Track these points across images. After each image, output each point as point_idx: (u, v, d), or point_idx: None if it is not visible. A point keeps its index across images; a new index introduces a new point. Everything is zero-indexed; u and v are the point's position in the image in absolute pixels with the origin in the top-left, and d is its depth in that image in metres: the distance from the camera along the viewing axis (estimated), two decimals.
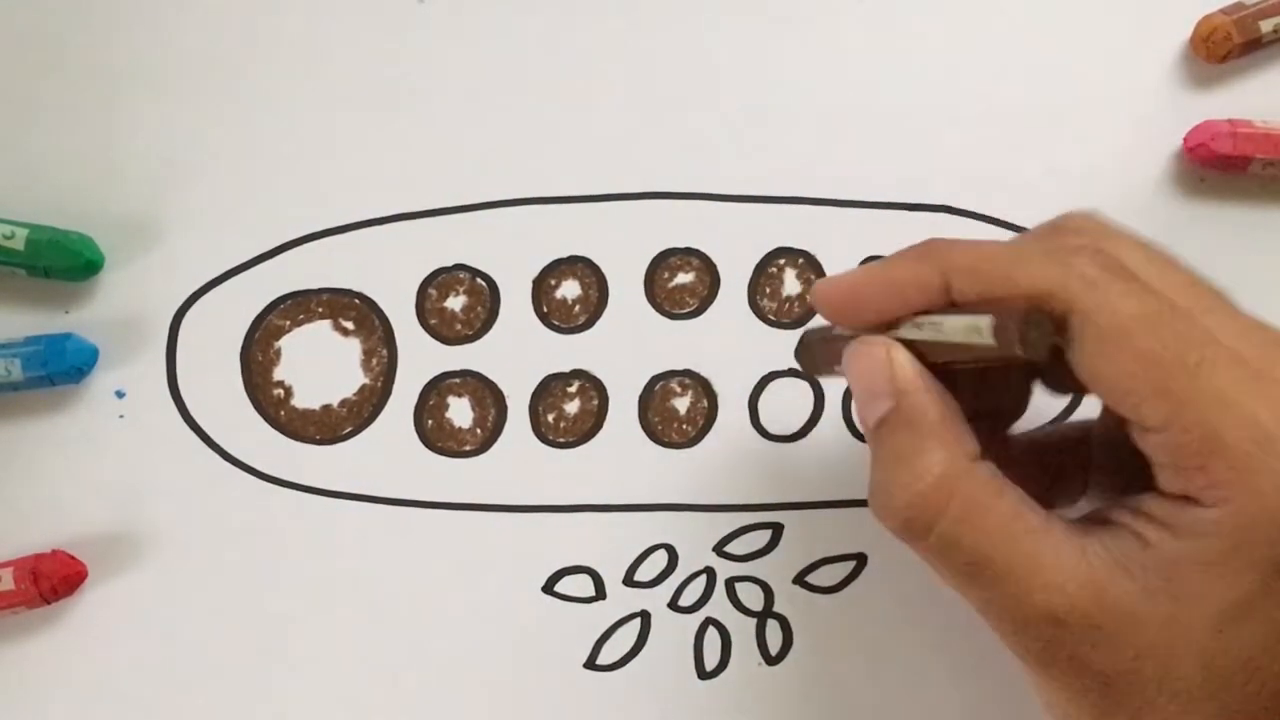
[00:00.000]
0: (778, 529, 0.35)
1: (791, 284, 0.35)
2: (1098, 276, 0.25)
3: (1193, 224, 0.36)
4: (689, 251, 0.35)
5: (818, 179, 0.35)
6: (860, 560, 0.35)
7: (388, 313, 0.34)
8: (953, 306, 0.27)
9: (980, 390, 0.28)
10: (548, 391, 0.34)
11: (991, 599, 0.26)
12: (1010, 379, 0.29)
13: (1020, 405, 0.30)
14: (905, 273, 0.28)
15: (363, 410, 0.34)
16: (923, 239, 0.28)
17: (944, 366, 0.27)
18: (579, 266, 0.35)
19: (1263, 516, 0.24)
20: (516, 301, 0.35)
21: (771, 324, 0.35)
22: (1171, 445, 0.25)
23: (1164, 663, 0.25)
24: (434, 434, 0.34)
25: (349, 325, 0.34)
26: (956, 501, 0.26)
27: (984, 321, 0.25)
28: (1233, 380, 0.24)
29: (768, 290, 0.35)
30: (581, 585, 0.34)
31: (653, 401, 0.35)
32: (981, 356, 0.26)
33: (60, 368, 0.32)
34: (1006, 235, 0.35)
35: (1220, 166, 0.35)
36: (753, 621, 0.34)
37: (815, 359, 0.31)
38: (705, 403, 0.35)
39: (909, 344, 0.27)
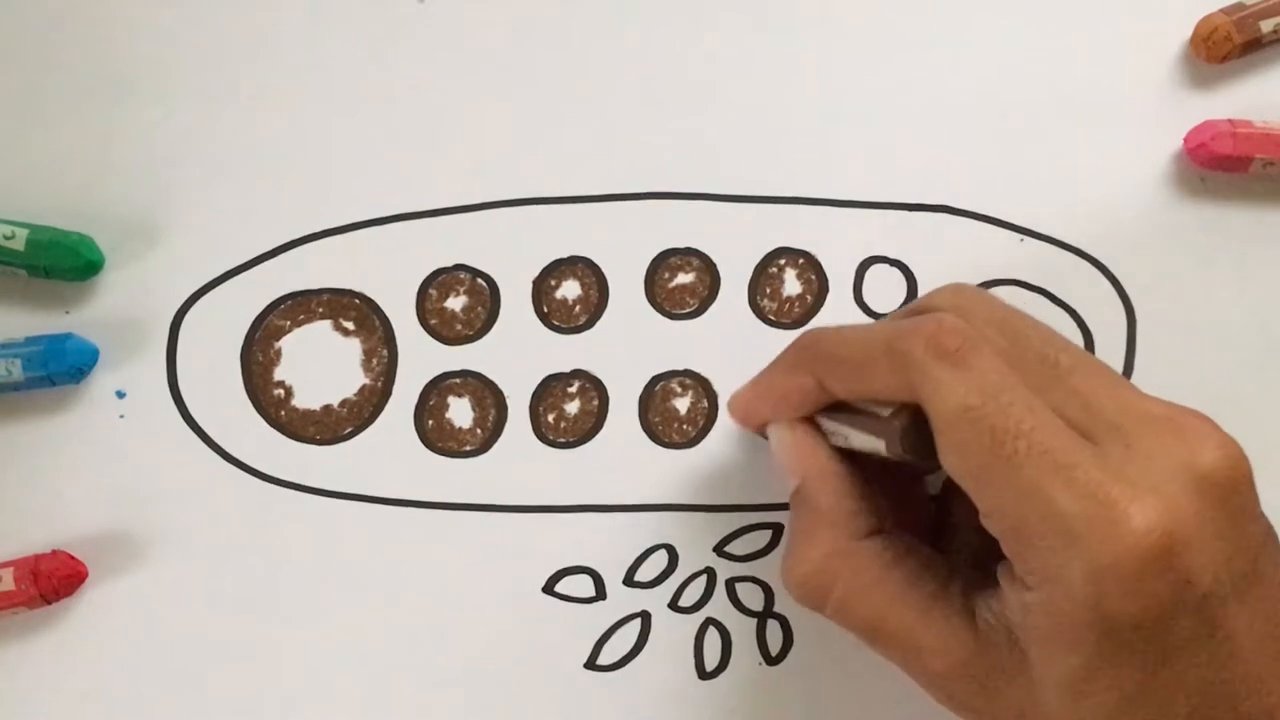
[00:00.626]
0: (778, 529, 0.35)
1: (792, 284, 0.35)
2: (929, 365, 0.26)
3: (1193, 224, 0.36)
4: (689, 251, 0.35)
5: (818, 179, 0.35)
6: None
7: (388, 313, 0.34)
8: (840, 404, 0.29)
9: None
10: (548, 391, 0.34)
11: (892, 659, 0.29)
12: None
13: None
14: (786, 383, 0.30)
15: (363, 410, 0.34)
16: (800, 336, 0.31)
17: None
18: (579, 266, 0.35)
19: (1071, 603, 0.25)
20: (517, 301, 0.35)
21: (772, 324, 0.35)
22: (997, 530, 0.26)
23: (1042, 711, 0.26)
24: (434, 434, 0.34)
25: (349, 325, 0.34)
26: (842, 580, 0.29)
27: (880, 444, 0.28)
28: (1041, 470, 0.25)
29: (768, 290, 0.35)
30: (582, 585, 0.34)
31: (653, 401, 0.35)
32: (880, 454, 0.28)
33: (60, 368, 0.32)
34: (1007, 235, 0.35)
35: (1220, 166, 0.35)
36: (753, 621, 0.34)
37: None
38: (705, 403, 0.35)
39: (820, 425, 0.30)
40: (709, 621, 0.34)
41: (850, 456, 0.30)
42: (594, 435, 0.34)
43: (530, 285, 0.35)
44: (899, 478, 0.31)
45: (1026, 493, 0.25)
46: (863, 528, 0.29)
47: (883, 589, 0.28)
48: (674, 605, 0.34)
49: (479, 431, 0.34)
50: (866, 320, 0.35)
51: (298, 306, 0.34)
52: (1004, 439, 0.25)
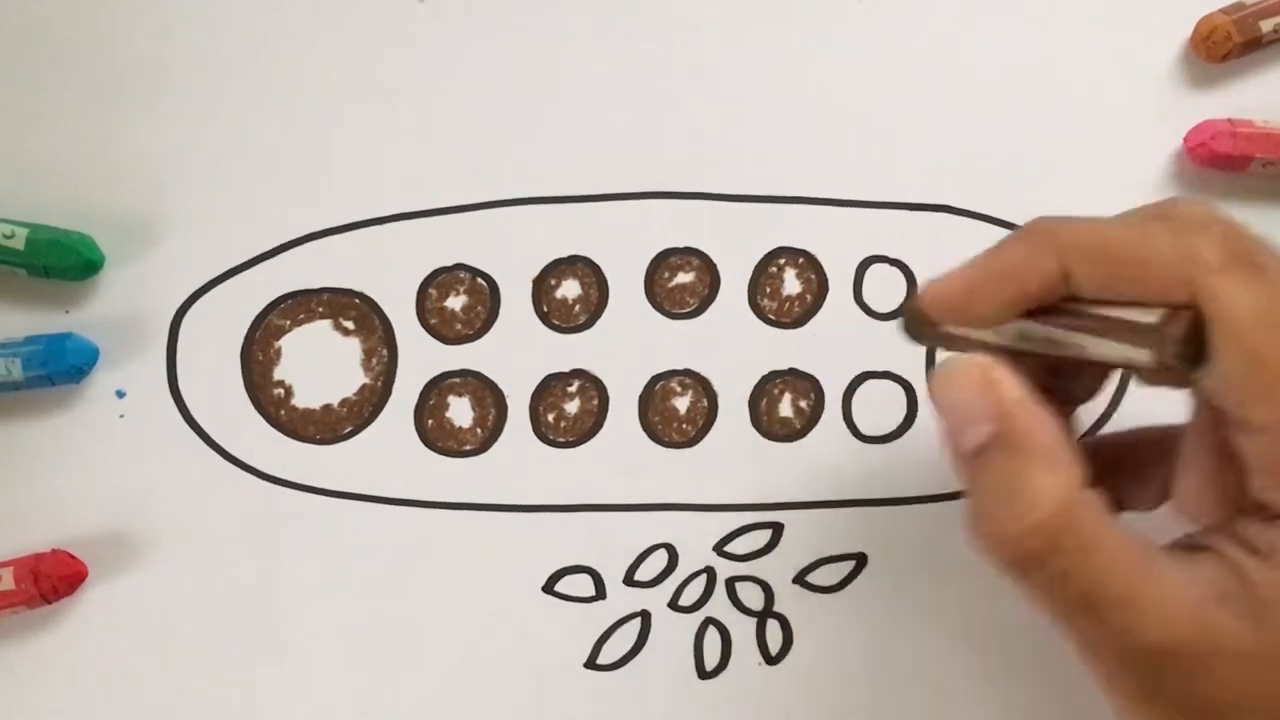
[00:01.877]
0: (778, 529, 0.35)
1: (791, 284, 0.35)
2: (1223, 264, 0.24)
3: None
4: (689, 251, 0.35)
5: (818, 179, 0.35)
6: (860, 560, 0.35)
7: (388, 312, 0.34)
8: (1071, 300, 0.25)
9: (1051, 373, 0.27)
10: (548, 391, 0.34)
11: (1101, 633, 0.25)
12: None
13: (1094, 389, 0.29)
14: (1019, 261, 0.26)
15: (363, 410, 0.34)
16: (1030, 225, 0.26)
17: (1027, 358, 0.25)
18: (579, 266, 0.35)
19: None
20: (517, 301, 0.35)
21: (771, 324, 0.35)
22: (1271, 451, 0.24)
23: (1269, 701, 0.24)
24: (434, 434, 0.34)
25: (349, 325, 0.34)
26: (1071, 534, 0.24)
27: (1139, 354, 0.24)
28: None
29: (768, 290, 0.35)
30: (581, 585, 0.34)
31: (653, 401, 0.35)
32: (1139, 372, 0.24)
33: (60, 367, 0.32)
34: (1006, 234, 0.35)
35: (1220, 166, 0.35)
36: (753, 621, 0.34)
37: (922, 334, 0.28)
38: (705, 402, 0.35)
39: (1006, 351, 0.26)
40: (709, 621, 0.34)
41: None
42: (594, 435, 0.34)
43: (530, 285, 0.35)
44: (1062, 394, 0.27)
45: None
46: (1083, 477, 0.24)
47: (1107, 548, 0.24)
48: (674, 605, 0.34)
49: (479, 431, 0.34)
50: (869, 321, 0.35)
51: (298, 306, 0.34)
52: None
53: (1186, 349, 0.24)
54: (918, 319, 0.28)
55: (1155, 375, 0.24)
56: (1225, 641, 0.24)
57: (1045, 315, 0.25)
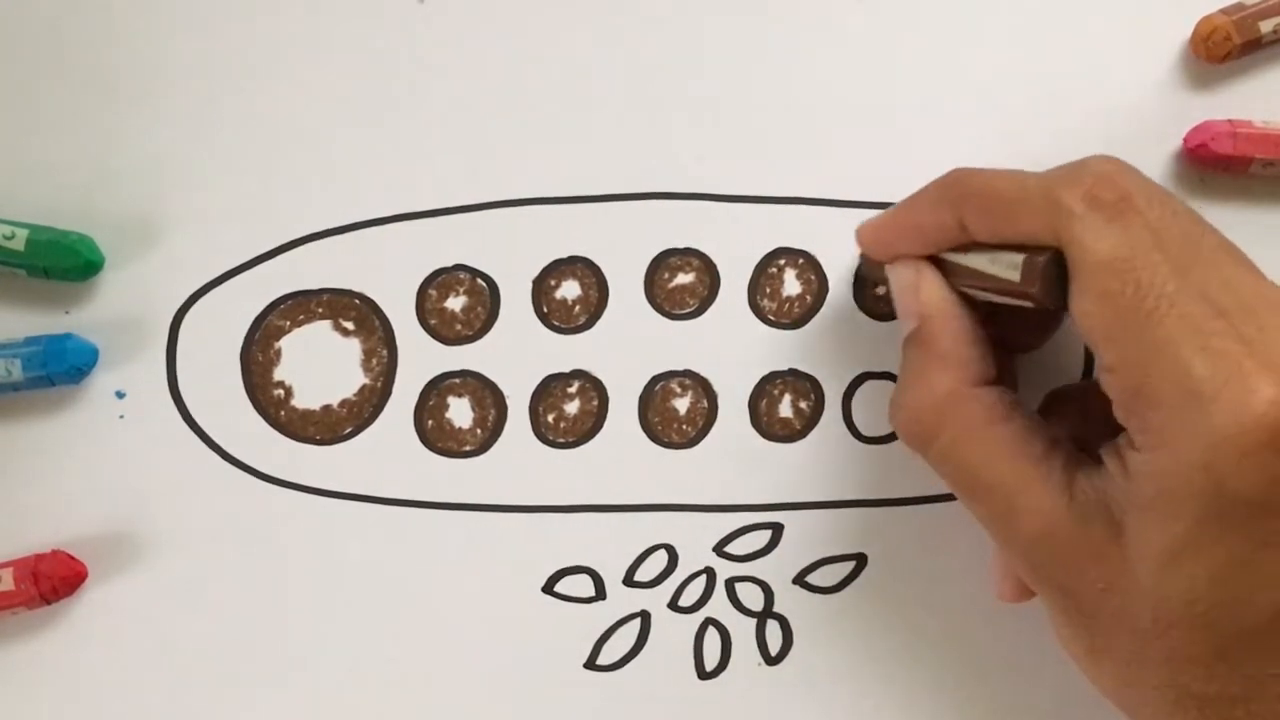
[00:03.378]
0: (778, 529, 0.35)
1: (791, 284, 0.35)
2: (1084, 213, 0.26)
3: None
4: (689, 252, 0.35)
5: (818, 179, 0.35)
6: (860, 560, 0.35)
7: (388, 313, 0.34)
8: (974, 244, 0.29)
9: (1009, 319, 0.31)
10: (548, 392, 0.34)
11: (983, 515, 0.29)
12: (1040, 314, 0.31)
13: (1040, 338, 0.33)
14: (925, 216, 0.30)
15: (363, 410, 0.34)
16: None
17: (973, 294, 0.30)
18: (579, 267, 0.35)
19: (1185, 466, 0.25)
20: (516, 302, 0.35)
21: (771, 324, 0.35)
22: (1117, 387, 0.26)
23: (1121, 599, 0.26)
24: (434, 434, 0.34)
25: (349, 325, 0.34)
26: (953, 422, 0.29)
27: (1014, 276, 0.28)
28: (1179, 330, 0.25)
29: (768, 290, 0.35)
30: (581, 585, 0.34)
31: (653, 402, 0.35)
32: (1008, 292, 0.28)
33: (60, 368, 0.32)
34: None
35: (1220, 167, 0.35)
36: (753, 622, 0.35)
37: (874, 270, 0.33)
38: (705, 403, 0.35)
39: (947, 265, 0.30)
40: (709, 621, 0.34)
41: (971, 305, 0.30)
42: (594, 435, 0.34)
43: (530, 285, 0.35)
44: (1011, 339, 0.31)
45: (1160, 349, 0.25)
46: (978, 374, 0.29)
47: (990, 438, 0.28)
48: (674, 605, 0.34)
49: (479, 431, 0.34)
50: (869, 322, 0.35)
51: (298, 306, 0.34)
52: (1147, 294, 0.25)
53: (1052, 281, 0.27)
54: (868, 271, 0.34)
55: (1027, 299, 0.28)
56: (1091, 541, 0.27)
57: (962, 249, 0.30)
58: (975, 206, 0.29)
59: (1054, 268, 0.27)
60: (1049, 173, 0.29)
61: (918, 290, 0.30)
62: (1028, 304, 0.28)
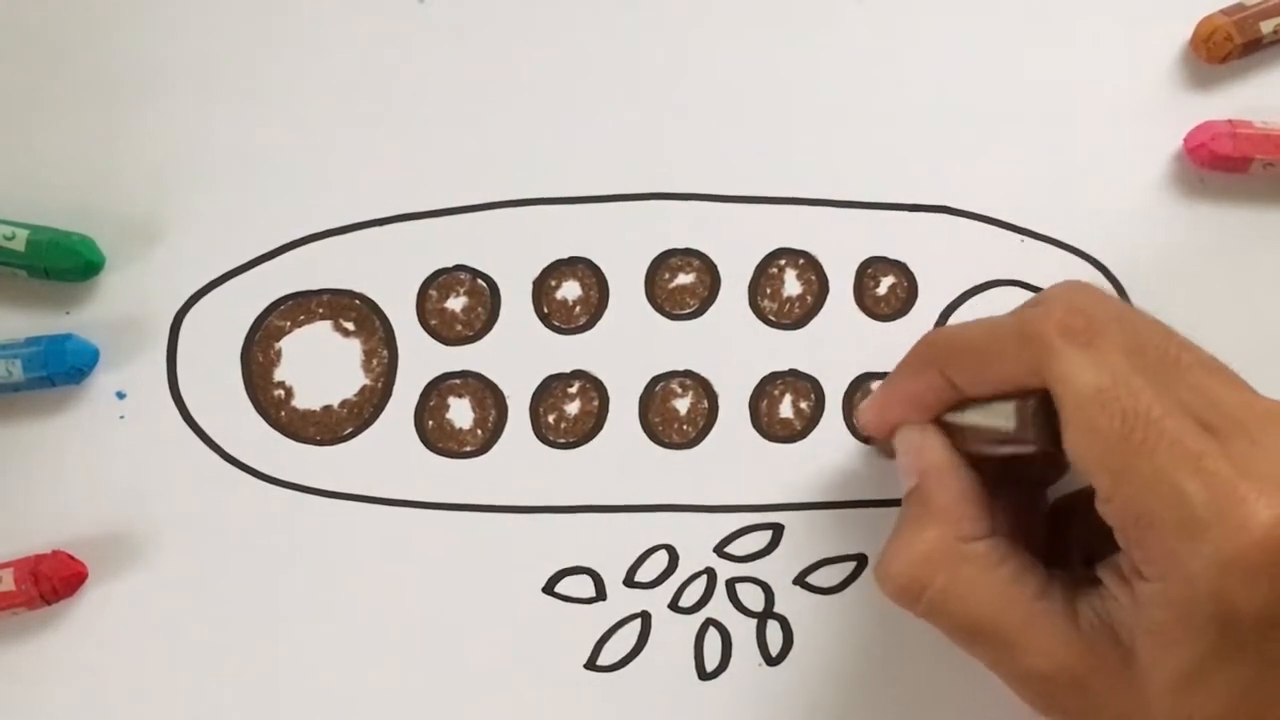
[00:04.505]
0: (778, 530, 0.35)
1: (792, 284, 0.35)
2: (1060, 347, 0.26)
3: (1193, 225, 0.36)
4: (689, 252, 0.35)
5: (818, 179, 0.35)
6: (860, 561, 0.35)
7: (388, 313, 0.34)
8: (971, 401, 0.29)
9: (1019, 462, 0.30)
10: (548, 392, 0.34)
11: (986, 659, 0.29)
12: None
13: (1054, 474, 0.32)
14: (913, 384, 0.30)
15: (363, 411, 0.34)
16: (918, 337, 0.31)
17: (981, 451, 0.30)
18: (579, 267, 0.35)
19: (1194, 593, 0.25)
20: (517, 302, 0.35)
21: (772, 324, 0.35)
22: (1117, 517, 0.26)
23: (1144, 715, 0.26)
24: (434, 435, 0.34)
25: (349, 326, 0.34)
26: (942, 575, 0.28)
27: (1008, 425, 0.28)
28: (1170, 458, 0.25)
29: (768, 291, 0.35)
30: (582, 586, 0.34)
31: (653, 402, 0.35)
32: (1009, 440, 0.28)
33: (61, 369, 0.32)
34: (1007, 235, 0.35)
35: (1220, 167, 0.35)
36: (753, 622, 0.35)
37: (884, 447, 0.33)
38: (706, 403, 0.35)
39: (949, 427, 0.30)
40: (709, 622, 0.34)
41: (973, 463, 0.30)
42: (594, 435, 0.34)
43: (530, 286, 0.35)
44: (1015, 492, 0.31)
45: (1154, 480, 0.25)
46: (972, 531, 0.29)
47: (985, 588, 0.28)
48: (674, 606, 0.34)
49: (479, 432, 0.34)
50: (869, 322, 0.35)
51: (298, 307, 0.34)
52: (1134, 423, 0.25)
53: (1043, 424, 0.27)
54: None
55: (1027, 445, 0.28)
56: (1103, 670, 0.27)
57: (959, 408, 0.30)
58: (956, 364, 0.29)
59: (1044, 410, 0.27)
60: (1019, 311, 0.28)
61: (917, 449, 0.30)
62: (1031, 449, 0.28)
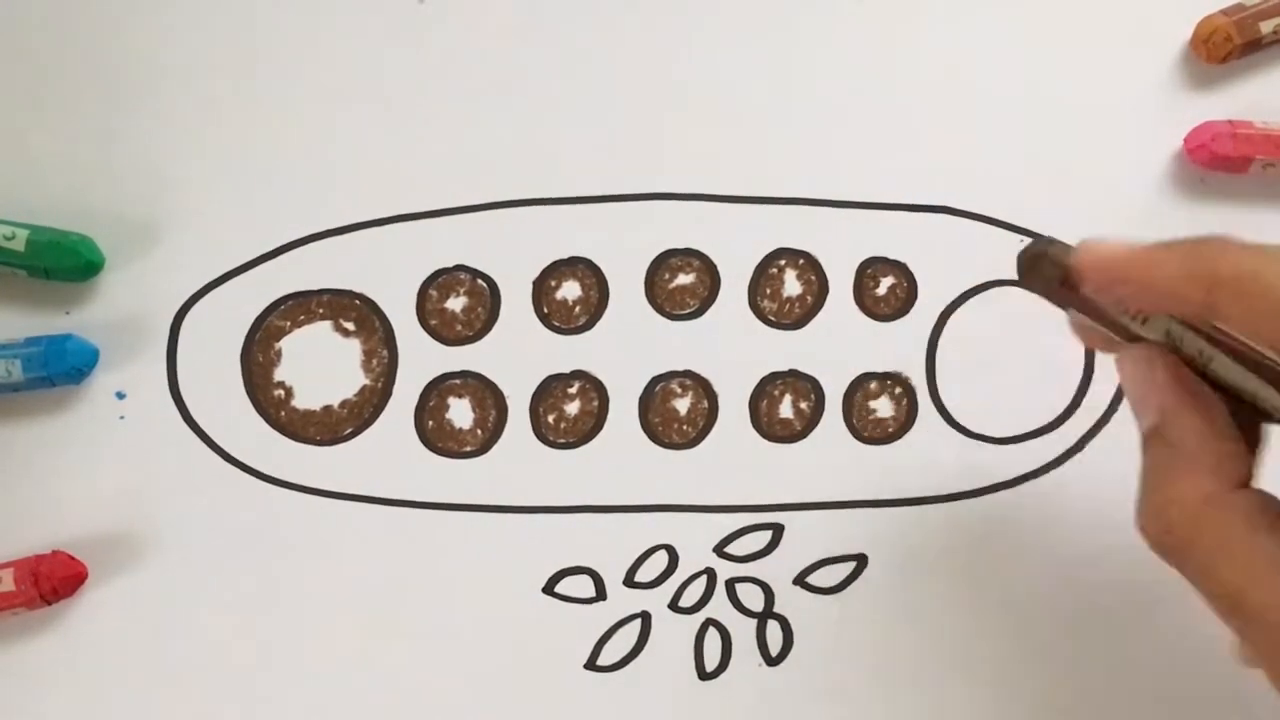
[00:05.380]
0: (778, 530, 0.35)
1: (792, 284, 0.35)
2: None
3: (1193, 225, 0.36)
4: (689, 252, 0.35)
5: (818, 179, 0.35)
6: (860, 561, 0.35)
7: (388, 313, 0.34)
8: (1218, 330, 0.26)
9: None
10: (548, 392, 0.34)
11: (1251, 635, 0.25)
12: None
13: None
14: (1170, 281, 0.25)
15: (363, 411, 0.34)
16: (1198, 236, 0.26)
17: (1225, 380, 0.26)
18: (579, 267, 0.35)
19: None
20: (517, 302, 0.35)
21: (772, 325, 0.35)
22: None
23: None
24: (434, 435, 0.34)
25: (349, 326, 0.34)
26: (1208, 535, 0.25)
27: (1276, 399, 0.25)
28: None
29: (768, 291, 0.35)
30: (582, 586, 0.34)
31: (653, 402, 0.35)
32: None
33: (61, 369, 0.32)
34: (1007, 235, 0.35)
35: (1220, 167, 0.35)
36: (753, 622, 0.35)
37: (1047, 286, 0.28)
38: (705, 403, 0.35)
39: (1192, 361, 0.26)
40: (709, 622, 0.34)
41: (1221, 391, 0.26)
42: (594, 436, 0.34)
43: (530, 286, 0.35)
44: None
45: None
46: (1233, 475, 0.25)
47: (1255, 553, 0.24)
48: (674, 605, 0.34)
49: (479, 432, 0.34)
50: (869, 322, 0.35)
51: (298, 307, 0.34)
52: None
53: None
54: (1055, 272, 0.28)
55: None
56: None
57: (1211, 342, 0.26)
58: (1238, 298, 0.24)
59: None
60: None
61: (1154, 384, 0.26)
62: None
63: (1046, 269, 0.28)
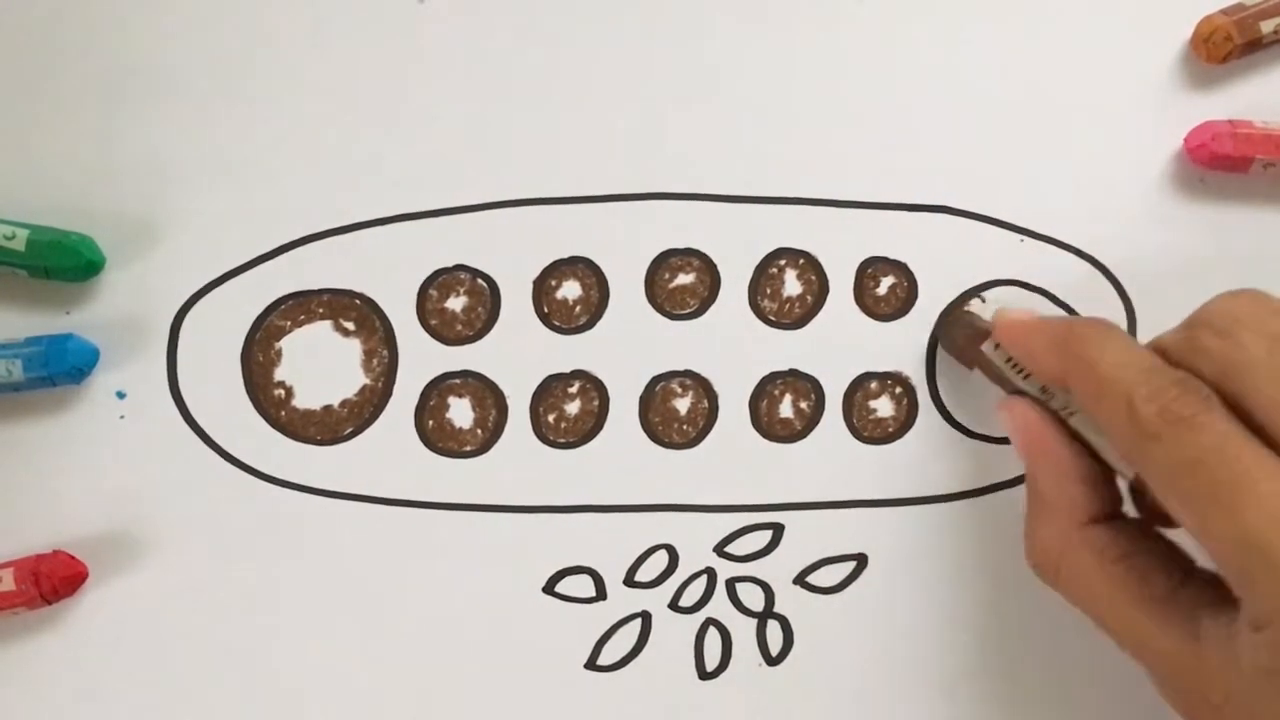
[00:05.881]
0: (778, 529, 0.35)
1: (792, 284, 0.35)
2: (1147, 436, 0.26)
3: (1193, 225, 0.35)
4: (689, 252, 0.35)
5: (818, 179, 0.35)
6: (861, 560, 0.35)
7: (388, 313, 0.34)
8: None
9: None
10: (548, 392, 0.34)
11: (1119, 645, 0.29)
12: None
13: None
14: (1042, 354, 0.30)
15: (363, 411, 0.34)
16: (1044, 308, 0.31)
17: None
18: (579, 267, 0.35)
19: None
20: (517, 302, 0.35)
21: (772, 324, 0.35)
22: (1221, 569, 0.26)
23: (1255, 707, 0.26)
24: (434, 434, 0.34)
25: (350, 326, 0.34)
26: (1064, 570, 0.29)
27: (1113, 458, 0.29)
28: (1263, 518, 0.24)
29: (768, 291, 0.35)
30: (582, 585, 0.34)
31: (653, 402, 0.35)
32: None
33: (61, 368, 0.32)
34: (1007, 235, 0.35)
35: (1221, 167, 0.35)
36: (753, 622, 0.35)
37: (958, 345, 0.34)
38: (706, 403, 0.35)
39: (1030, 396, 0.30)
40: (709, 622, 0.34)
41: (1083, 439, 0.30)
42: (594, 435, 0.34)
43: (530, 285, 0.35)
44: None
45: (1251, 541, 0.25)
46: (1085, 514, 0.29)
47: (1104, 581, 0.28)
48: (674, 605, 0.34)
49: (479, 432, 0.34)
50: (869, 322, 0.35)
51: (298, 307, 0.34)
52: (1221, 490, 0.25)
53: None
54: (969, 331, 0.33)
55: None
56: (1218, 683, 0.26)
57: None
58: (1078, 380, 0.29)
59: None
60: (1147, 371, 0.27)
61: (1022, 432, 0.30)
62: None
63: (960, 328, 0.34)
